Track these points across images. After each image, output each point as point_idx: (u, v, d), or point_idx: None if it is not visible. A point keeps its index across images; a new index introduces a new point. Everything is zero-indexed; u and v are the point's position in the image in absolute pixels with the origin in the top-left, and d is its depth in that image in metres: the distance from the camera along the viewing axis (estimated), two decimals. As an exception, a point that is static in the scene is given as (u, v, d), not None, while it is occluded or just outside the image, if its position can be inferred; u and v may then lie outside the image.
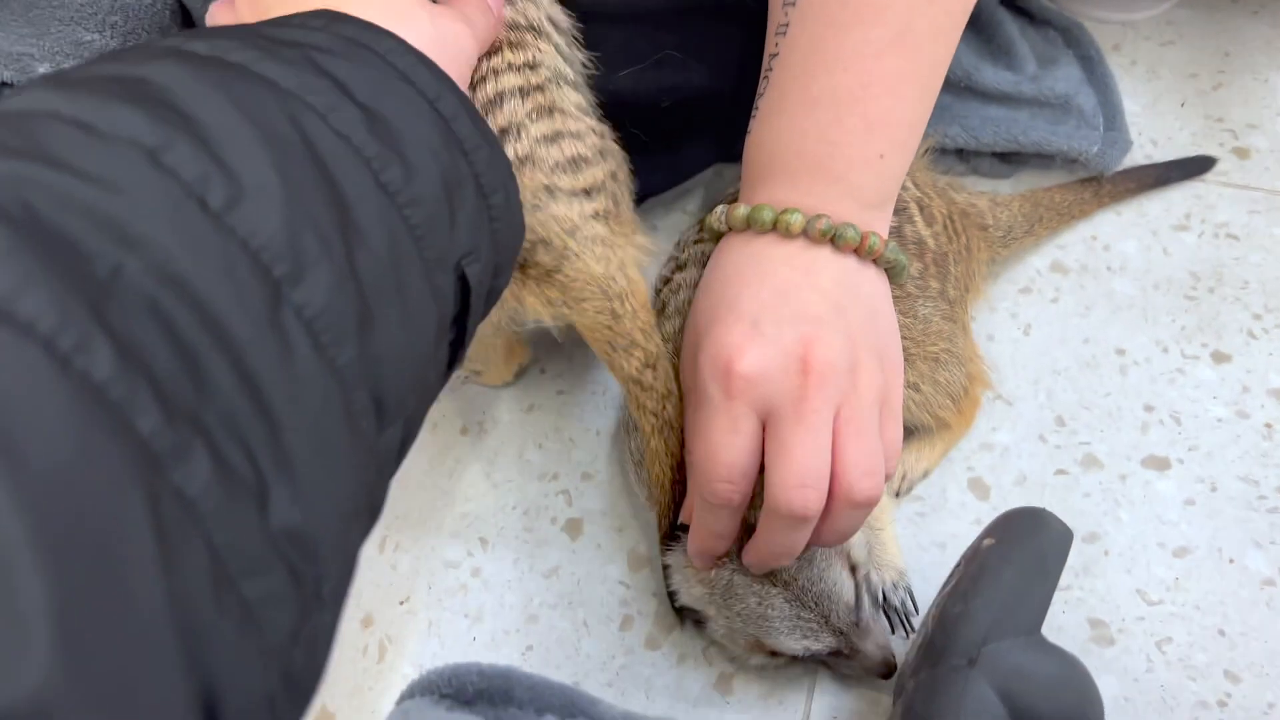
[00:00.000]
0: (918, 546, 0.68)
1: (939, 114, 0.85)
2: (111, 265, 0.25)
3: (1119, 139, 0.82)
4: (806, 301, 0.52)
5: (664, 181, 0.79)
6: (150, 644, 0.22)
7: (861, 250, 0.53)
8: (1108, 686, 0.61)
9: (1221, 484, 0.69)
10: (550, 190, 0.57)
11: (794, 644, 0.58)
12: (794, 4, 0.56)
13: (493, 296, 0.44)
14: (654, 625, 0.66)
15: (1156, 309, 0.77)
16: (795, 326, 0.51)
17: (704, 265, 0.68)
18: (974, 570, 0.50)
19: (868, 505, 0.51)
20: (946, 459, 0.71)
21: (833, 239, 0.53)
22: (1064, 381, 0.74)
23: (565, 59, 0.60)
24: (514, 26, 0.57)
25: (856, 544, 0.59)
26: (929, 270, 0.66)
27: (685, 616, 0.65)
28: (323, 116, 0.34)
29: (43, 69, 0.47)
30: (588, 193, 0.59)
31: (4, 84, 0.46)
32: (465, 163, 0.40)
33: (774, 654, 0.60)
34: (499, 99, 0.55)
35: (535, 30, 0.58)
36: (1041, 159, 0.83)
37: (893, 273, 0.56)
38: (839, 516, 0.52)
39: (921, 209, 0.67)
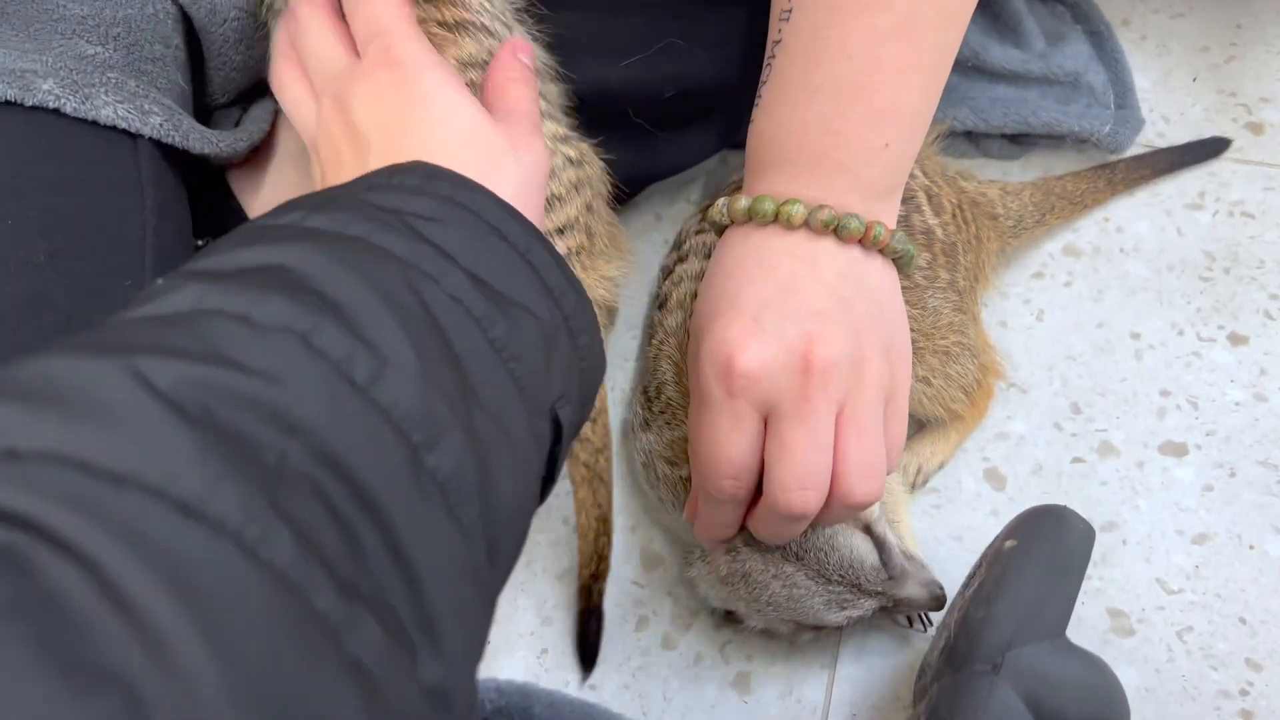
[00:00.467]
0: (934, 539, 0.68)
1: (947, 95, 0.83)
2: (278, 452, 0.27)
3: (1130, 117, 0.80)
4: (810, 295, 0.51)
5: (668, 168, 0.77)
6: None
7: (866, 241, 0.52)
8: (1129, 677, 0.61)
9: (1240, 469, 0.69)
10: None
11: (835, 617, 0.58)
12: None
13: (577, 429, 0.43)
14: (670, 625, 0.66)
15: (1171, 291, 0.76)
16: (798, 322, 0.50)
17: (706, 256, 0.67)
18: (996, 573, 0.49)
19: (865, 506, 0.51)
20: (961, 449, 0.70)
21: (836, 230, 0.52)
22: (1079, 367, 0.73)
23: (544, 98, 0.59)
24: (471, 64, 0.55)
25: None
26: (938, 260, 0.64)
27: (729, 619, 0.64)
28: (436, 282, 0.35)
29: (46, 85, 0.46)
30: (560, 231, 0.59)
31: (7, 102, 0.45)
32: (557, 310, 0.40)
33: (819, 628, 0.60)
34: None
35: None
36: (1052, 139, 0.81)
37: (900, 263, 0.55)
38: (834, 512, 0.52)
39: (930, 198, 0.66)
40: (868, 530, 0.58)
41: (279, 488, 0.27)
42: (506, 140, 0.49)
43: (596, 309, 0.60)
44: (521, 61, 0.56)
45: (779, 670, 0.64)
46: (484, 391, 0.35)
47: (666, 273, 0.69)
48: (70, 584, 0.22)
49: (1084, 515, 0.56)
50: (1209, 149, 0.81)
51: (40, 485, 0.23)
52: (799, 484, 0.49)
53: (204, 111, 0.61)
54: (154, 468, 0.25)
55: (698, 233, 0.69)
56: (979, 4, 0.87)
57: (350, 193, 0.39)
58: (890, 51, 0.52)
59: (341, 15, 0.53)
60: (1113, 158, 0.81)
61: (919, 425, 0.68)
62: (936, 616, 0.62)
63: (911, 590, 0.58)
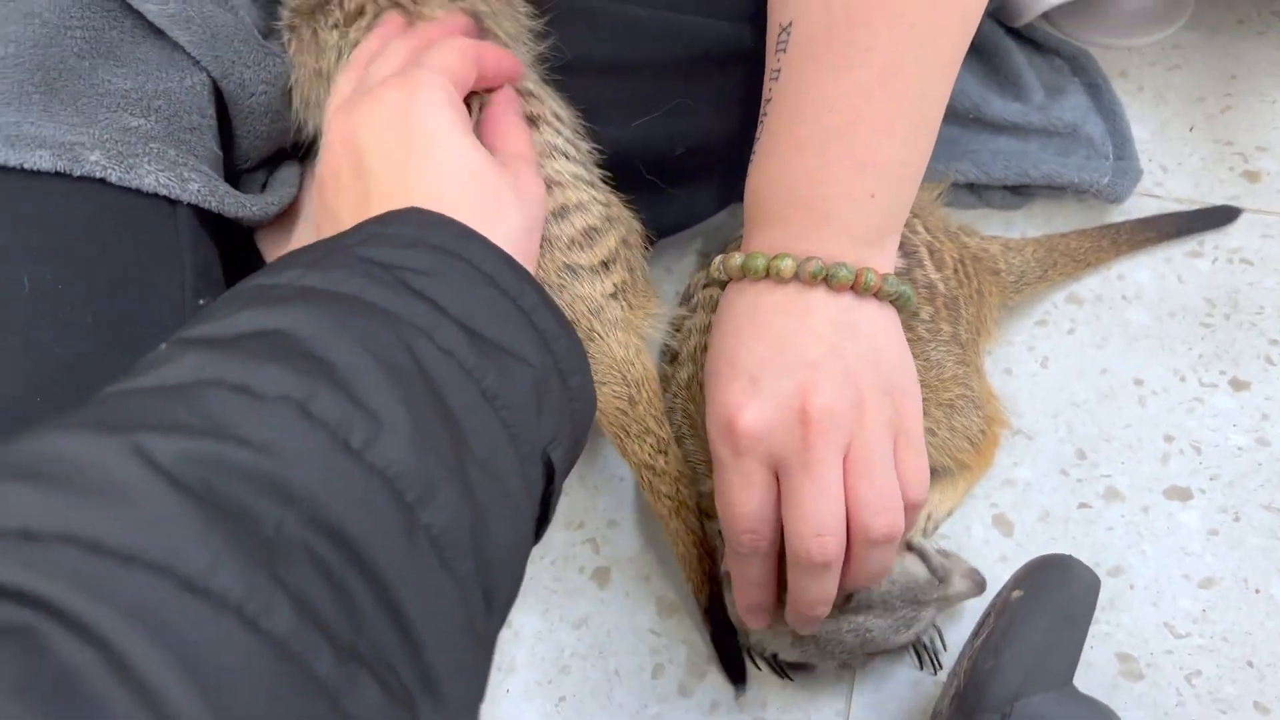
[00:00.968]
0: (944, 585, 0.69)
1: (949, 148, 0.86)
2: (276, 523, 0.28)
3: (1129, 168, 0.82)
4: (802, 349, 0.52)
5: (679, 223, 0.79)
6: None
7: (858, 287, 0.53)
8: (1138, 722, 0.62)
9: (1244, 513, 0.70)
10: (571, 269, 0.58)
11: (904, 639, 0.60)
12: (785, 50, 0.57)
13: (569, 468, 0.45)
14: (686, 673, 0.67)
15: (1173, 338, 0.78)
16: (792, 376, 0.51)
17: (713, 309, 0.69)
18: (1004, 623, 0.50)
19: (888, 541, 0.52)
20: (970, 496, 0.71)
21: (826, 280, 0.53)
22: (1083, 414, 0.75)
23: (558, 133, 0.61)
24: None
25: None
26: (941, 314, 0.66)
27: (790, 670, 0.65)
28: (428, 336, 0.37)
29: (94, 156, 0.48)
30: (605, 265, 0.60)
31: (58, 173, 0.47)
32: (549, 354, 0.42)
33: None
34: None
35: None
36: (1053, 190, 0.83)
37: (899, 304, 0.56)
38: (862, 557, 0.53)
39: (932, 253, 0.68)
40: (907, 546, 0.60)
41: (278, 558, 0.28)
42: (510, 185, 0.50)
43: (650, 346, 0.62)
44: (516, 105, 0.58)
45: (794, 717, 0.65)
46: (477, 443, 0.36)
47: (675, 327, 0.70)
48: (83, 661, 0.23)
49: (1091, 560, 0.57)
50: (1216, 218, 0.82)
51: (52, 566, 0.25)
52: (814, 531, 0.50)
53: (232, 175, 0.63)
54: (159, 546, 0.26)
55: (704, 286, 0.71)
56: (980, 58, 0.90)
57: (345, 247, 0.40)
58: (873, 105, 0.53)
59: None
60: (1113, 208, 0.83)
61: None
62: (948, 660, 0.63)
63: (959, 586, 0.60)
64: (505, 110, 0.57)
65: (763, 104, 0.59)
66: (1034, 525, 0.71)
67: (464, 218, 0.44)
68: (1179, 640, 0.66)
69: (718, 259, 0.58)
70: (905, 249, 0.66)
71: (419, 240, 0.41)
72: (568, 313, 0.57)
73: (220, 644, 0.25)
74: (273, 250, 0.64)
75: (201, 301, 0.54)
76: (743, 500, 0.52)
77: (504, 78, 0.58)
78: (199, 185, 0.53)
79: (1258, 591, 0.67)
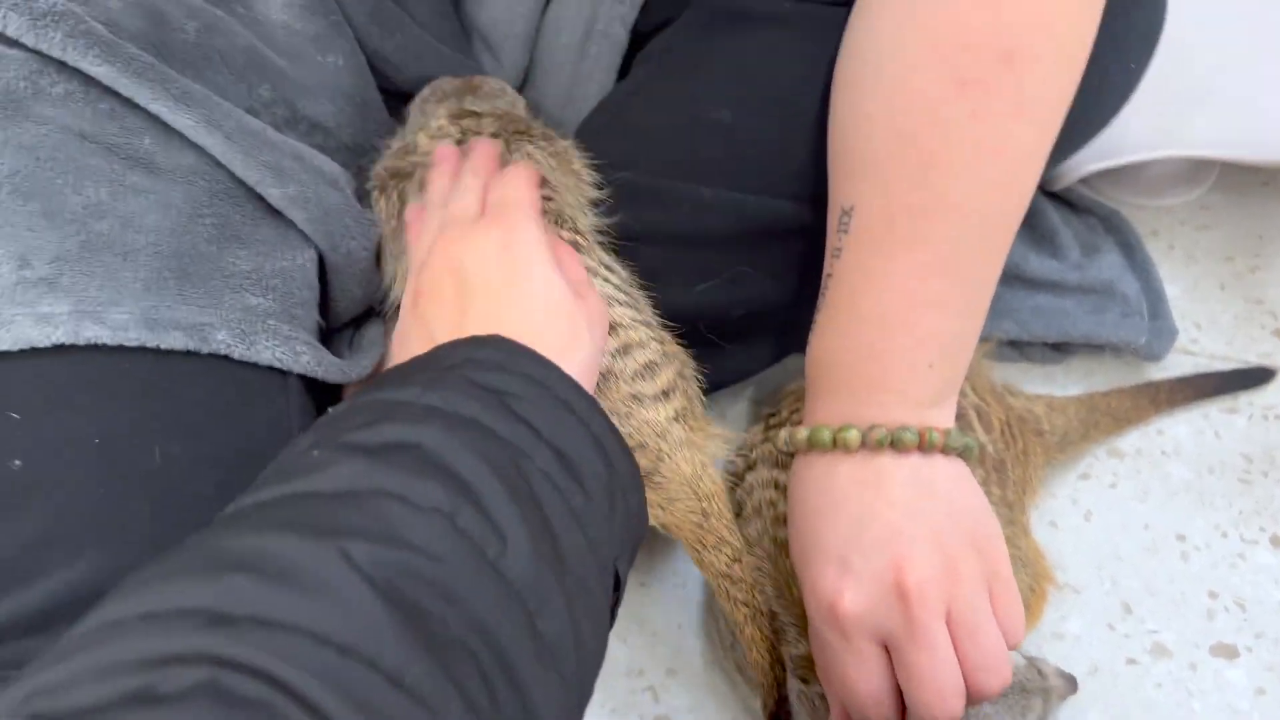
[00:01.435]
0: (996, 739, 0.70)
1: (992, 306, 0.89)
2: (443, 622, 0.33)
3: (1165, 328, 0.86)
4: (883, 521, 0.54)
5: (735, 375, 0.83)
6: None
7: (923, 447, 0.56)
8: None
9: (1291, 673, 0.71)
10: (636, 398, 0.62)
11: None
12: (846, 231, 0.60)
13: (625, 581, 0.49)
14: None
15: (1212, 493, 0.80)
16: (881, 552, 0.53)
17: (774, 464, 0.72)
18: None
19: (998, 693, 0.53)
20: (1020, 649, 0.73)
21: (892, 444, 0.55)
22: (1127, 568, 0.77)
23: (607, 280, 0.65)
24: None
25: None
26: (990, 477, 0.69)
27: None
28: (531, 459, 0.41)
29: (220, 335, 0.53)
30: (665, 394, 0.64)
31: (189, 351, 0.52)
32: (614, 475, 0.46)
33: None
34: None
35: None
36: (1092, 346, 0.87)
37: (964, 456, 0.58)
38: (975, 700, 0.54)
39: (979, 415, 0.71)
40: None
41: (447, 654, 0.32)
42: (584, 314, 0.56)
43: (713, 478, 0.65)
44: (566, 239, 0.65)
45: None
46: (570, 558, 0.40)
47: (736, 482, 0.73)
48: None
49: (1141, 717, 0.58)
50: (1252, 378, 0.86)
51: (288, 652, 0.29)
52: (938, 698, 0.52)
53: (323, 336, 0.68)
54: (368, 642, 0.30)
55: (763, 442, 0.74)
56: (1018, 218, 0.95)
57: (453, 367, 0.45)
58: (930, 285, 0.56)
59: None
60: (1151, 366, 0.86)
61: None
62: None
63: (1055, 681, 0.62)
64: (554, 239, 0.63)
65: (824, 278, 0.62)
66: (1084, 679, 0.72)
67: (547, 344, 0.49)
68: (1231, 802, 0.66)
69: (783, 433, 0.61)
70: (955, 411, 0.69)
71: (508, 366, 0.46)
72: (635, 436, 0.61)
73: None
74: (358, 402, 0.69)
75: None
76: (862, 679, 0.54)
77: None
78: (309, 358, 0.57)
79: (1308, 753, 0.68)
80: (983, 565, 0.54)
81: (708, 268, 0.72)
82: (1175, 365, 0.87)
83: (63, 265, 0.51)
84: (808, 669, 0.64)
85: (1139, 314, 0.88)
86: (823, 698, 0.63)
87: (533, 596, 0.37)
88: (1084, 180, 0.97)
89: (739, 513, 0.71)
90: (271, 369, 0.56)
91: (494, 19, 0.82)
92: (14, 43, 0.52)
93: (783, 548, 0.65)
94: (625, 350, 0.63)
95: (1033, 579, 0.70)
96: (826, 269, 0.62)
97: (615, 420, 0.54)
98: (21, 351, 0.49)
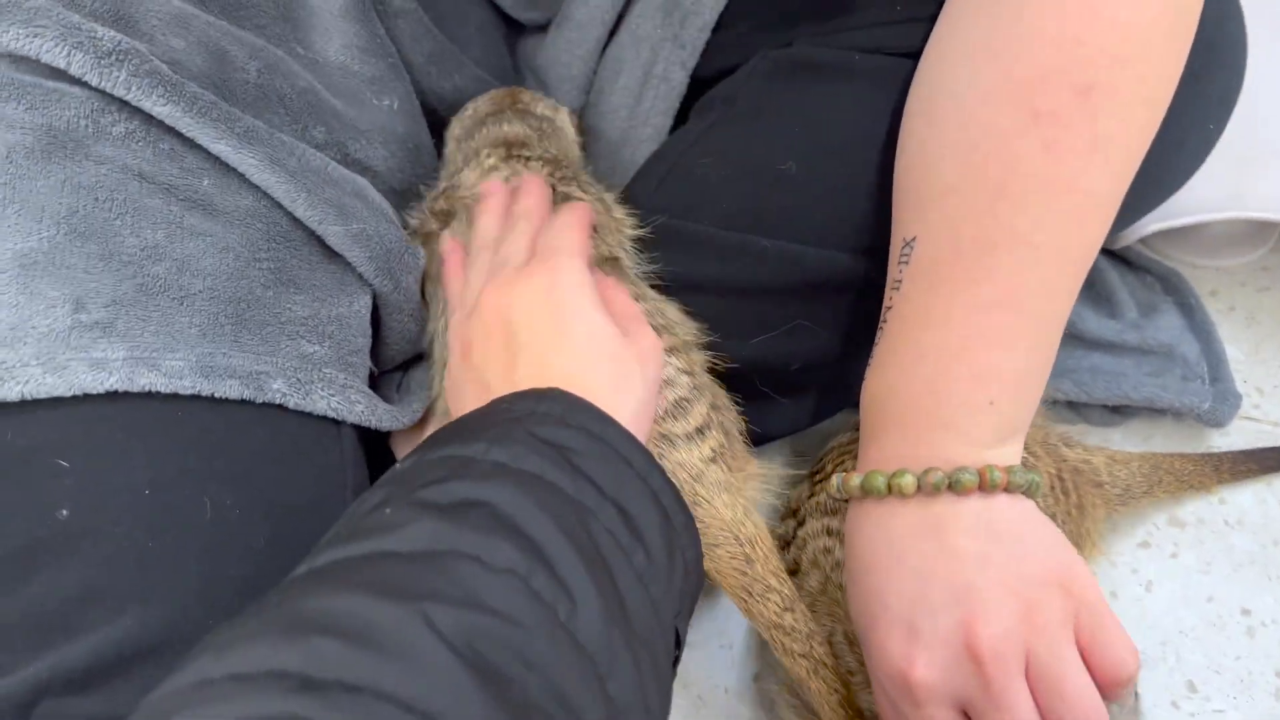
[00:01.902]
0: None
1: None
2: (523, 687, 0.33)
3: (1228, 392, 0.83)
4: (948, 575, 0.51)
5: (780, 431, 0.81)
6: None
7: (984, 487, 0.52)
8: None
9: (1365, 761, 0.68)
10: (667, 438, 0.60)
11: None
12: (907, 262, 0.58)
13: (684, 638, 0.47)
14: None
15: (1278, 565, 0.77)
16: (950, 613, 0.50)
17: (826, 512, 0.69)
18: None
19: None
20: (1079, 726, 0.70)
21: (950, 486, 0.52)
22: (1191, 642, 0.74)
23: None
24: None
25: None
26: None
27: None
28: (596, 517, 0.41)
29: (276, 385, 0.52)
30: (700, 431, 0.62)
31: (243, 400, 0.51)
32: (672, 531, 0.44)
33: None
34: None
35: None
36: (1152, 410, 0.84)
37: (1030, 494, 0.54)
38: None
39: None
40: None
41: (527, 719, 0.32)
42: (635, 355, 0.55)
43: (755, 522, 0.62)
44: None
45: None
46: (636, 618, 0.39)
47: (787, 542, 0.71)
48: None
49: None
50: None
51: (373, 716, 0.29)
52: None
53: (372, 380, 0.67)
54: (452, 708, 0.30)
55: (810, 497, 0.72)
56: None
57: (515, 421, 0.45)
58: (993, 320, 0.54)
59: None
60: (1212, 431, 0.84)
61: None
62: None
63: None
64: (603, 277, 0.62)
65: (883, 311, 0.60)
66: (1147, 761, 0.69)
67: (598, 387, 0.49)
68: None
69: (835, 479, 0.58)
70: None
71: (569, 420, 0.45)
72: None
73: None
74: (404, 447, 0.67)
75: None
76: None
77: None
78: (363, 406, 0.56)
79: None
80: (1066, 602, 0.49)
81: (765, 319, 0.70)
82: (1237, 430, 0.85)
83: (118, 309, 0.49)
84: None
85: (1200, 377, 0.85)
86: None
87: (603, 659, 0.36)
88: (1142, 239, 0.95)
89: (794, 570, 0.69)
90: (325, 418, 0.54)
91: (551, 60, 0.82)
92: (77, 81, 0.51)
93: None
94: None
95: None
96: (886, 302, 0.60)
97: None
98: (74, 397, 0.48)
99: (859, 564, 0.56)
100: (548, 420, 0.44)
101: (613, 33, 0.80)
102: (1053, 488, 0.70)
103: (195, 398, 0.50)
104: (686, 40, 0.76)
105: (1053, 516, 0.68)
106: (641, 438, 0.53)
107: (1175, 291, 0.92)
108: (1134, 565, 0.78)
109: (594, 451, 0.44)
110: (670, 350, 0.64)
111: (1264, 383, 0.88)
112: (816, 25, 0.71)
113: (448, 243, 0.67)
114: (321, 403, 0.53)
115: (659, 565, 0.43)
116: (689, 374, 0.63)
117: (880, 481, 0.54)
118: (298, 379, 0.53)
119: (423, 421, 0.67)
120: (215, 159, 0.54)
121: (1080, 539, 0.71)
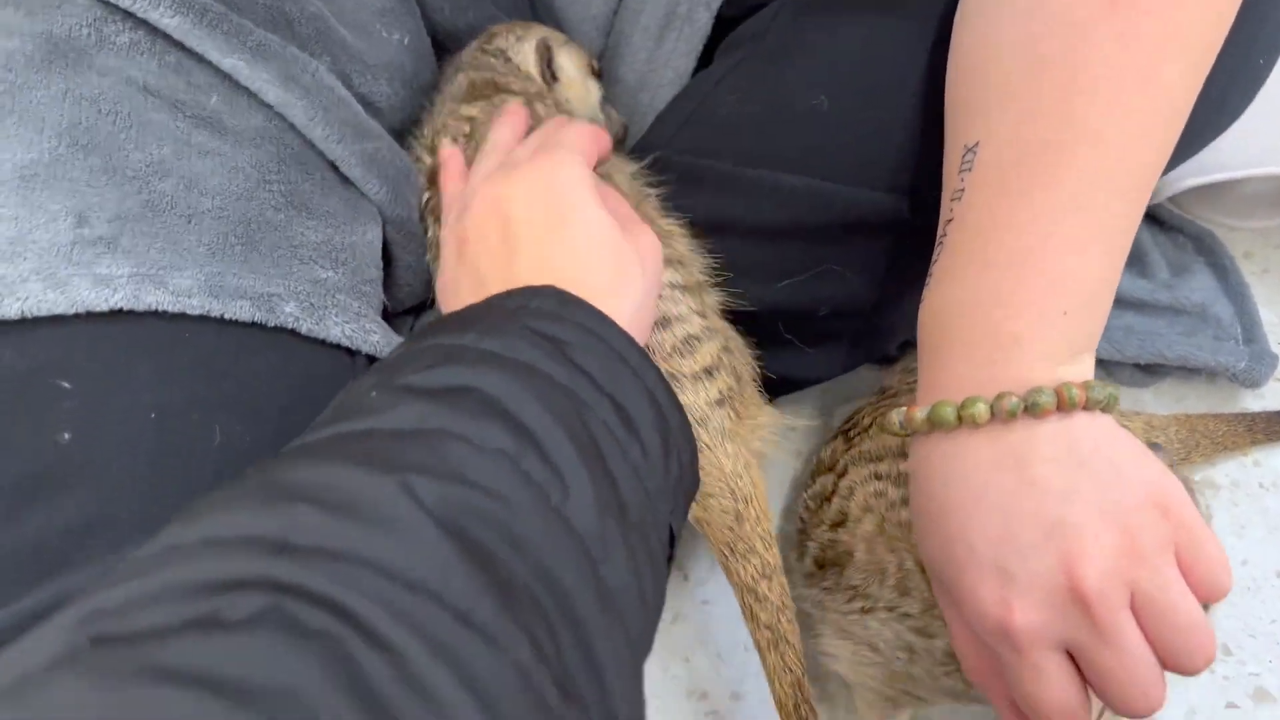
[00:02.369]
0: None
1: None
2: (509, 566, 0.31)
3: (1264, 353, 0.81)
4: (1035, 510, 0.46)
5: (803, 380, 0.79)
6: None
7: (1062, 406, 0.47)
8: None
9: (1407, 727, 0.66)
10: (674, 377, 0.57)
11: None
12: (970, 169, 0.54)
13: (678, 538, 0.46)
14: None
15: (1316, 530, 0.75)
16: (1043, 553, 0.46)
17: (871, 459, 0.66)
18: None
19: (1206, 667, 0.45)
20: (1111, 689, 0.68)
21: (1026, 409, 0.47)
22: (1225, 606, 0.72)
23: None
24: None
25: None
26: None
27: None
28: (592, 409, 0.40)
29: (288, 308, 0.50)
30: (709, 372, 0.59)
31: (254, 323, 0.48)
32: (668, 429, 0.43)
33: None
34: None
35: None
36: (1185, 370, 0.82)
37: (1109, 409, 0.49)
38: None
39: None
40: None
41: (513, 596, 0.31)
42: (635, 252, 0.53)
43: (753, 479, 0.60)
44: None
45: None
46: (631, 510, 0.39)
47: (827, 497, 0.68)
48: (382, 674, 0.26)
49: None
50: None
51: (355, 584, 0.28)
52: (1140, 697, 0.45)
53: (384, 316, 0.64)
54: (435, 578, 0.29)
55: (848, 449, 0.70)
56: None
57: (511, 313, 0.44)
58: (1064, 226, 0.50)
59: None
60: (1245, 392, 0.81)
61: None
62: None
63: None
64: (603, 183, 0.59)
65: (941, 224, 0.55)
66: (1181, 725, 0.67)
67: (595, 284, 0.48)
68: None
69: (896, 414, 0.52)
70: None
71: (564, 315, 0.44)
72: None
73: (487, 670, 0.28)
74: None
75: None
76: (1047, 693, 0.46)
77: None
78: (379, 337, 0.53)
79: None
80: (1164, 525, 0.45)
81: (792, 263, 0.68)
82: (1271, 392, 0.82)
83: (123, 225, 0.47)
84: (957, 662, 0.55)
85: (1233, 338, 0.83)
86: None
87: (596, 545, 0.35)
88: (1174, 198, 0.93)
89: (842, 521, 0.65)
90: (339, 347, 0.52)
91: (571, -1, 0.79)
92: None
93: (907, 527, 0.59)
94: (664, 323, 0.58)
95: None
96: (945, 213, 0.55)
97: None
98: (76, 315, 0.45)
99: (934, 505, 0.51)
100: (542, 315, 0.43)
101: (636, -31, 0.77)
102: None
103: (204, 319, 0.47)
104: (712, -23, 0.73)
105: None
106: (640, 337, 0.51)
107: (1208, 252, 0.90)
108: (1166, 527, 0.76)
109: (589, 346, 0.43)
110: (683, 289, 0.61)
111: (1299, 345, 0.86)
112: None
113: (445, 149, 0.64)
114: (336, 329, 0.51)
115: (654, 461, 0.42)
116: (700, 315, 0.61)
117: (949, 412, 0.49)
118: (311, 303, 0.50)
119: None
120: (223, 75, 0.51)
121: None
